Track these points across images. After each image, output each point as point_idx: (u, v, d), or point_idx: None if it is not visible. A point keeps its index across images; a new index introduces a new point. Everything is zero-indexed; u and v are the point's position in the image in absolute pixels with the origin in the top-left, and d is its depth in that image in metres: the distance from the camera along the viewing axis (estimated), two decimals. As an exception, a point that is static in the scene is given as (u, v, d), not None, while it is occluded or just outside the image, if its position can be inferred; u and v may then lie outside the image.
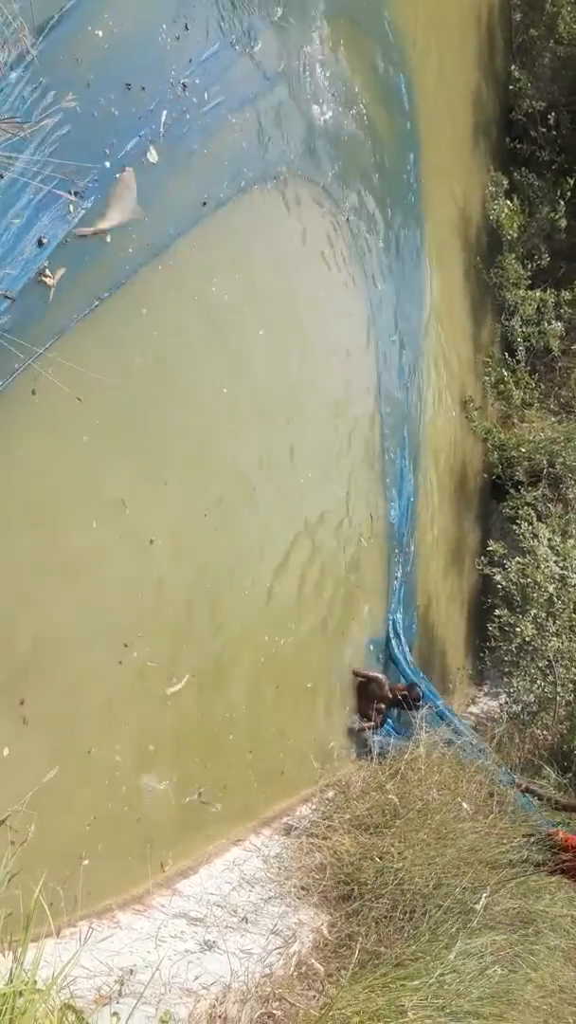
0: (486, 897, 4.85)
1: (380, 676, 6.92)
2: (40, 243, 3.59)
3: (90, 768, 4.04)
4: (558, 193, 10.08)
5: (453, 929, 4.65)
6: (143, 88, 4.32)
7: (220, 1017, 3.59)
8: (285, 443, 5.87)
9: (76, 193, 3.81)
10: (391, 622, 7.47)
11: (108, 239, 4.09)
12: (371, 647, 7.23)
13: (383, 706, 6.88)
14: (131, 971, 3.59)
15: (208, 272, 4.92)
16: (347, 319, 6.77)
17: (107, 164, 4.07)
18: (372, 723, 6.77)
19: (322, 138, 6.26)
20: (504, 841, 5.72)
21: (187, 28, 4.66)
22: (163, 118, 4.40)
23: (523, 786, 6.71)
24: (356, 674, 6.83)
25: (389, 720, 7.07)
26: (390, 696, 6.91)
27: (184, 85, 4.57)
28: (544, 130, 10.27)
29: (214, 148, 4.94)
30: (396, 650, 7.39)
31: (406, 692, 6.97)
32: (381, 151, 7.22)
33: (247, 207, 5.31)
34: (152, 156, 4.37)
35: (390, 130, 7.45)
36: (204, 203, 4.81)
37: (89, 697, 4.07)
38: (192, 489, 4.83)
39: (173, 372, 4.65)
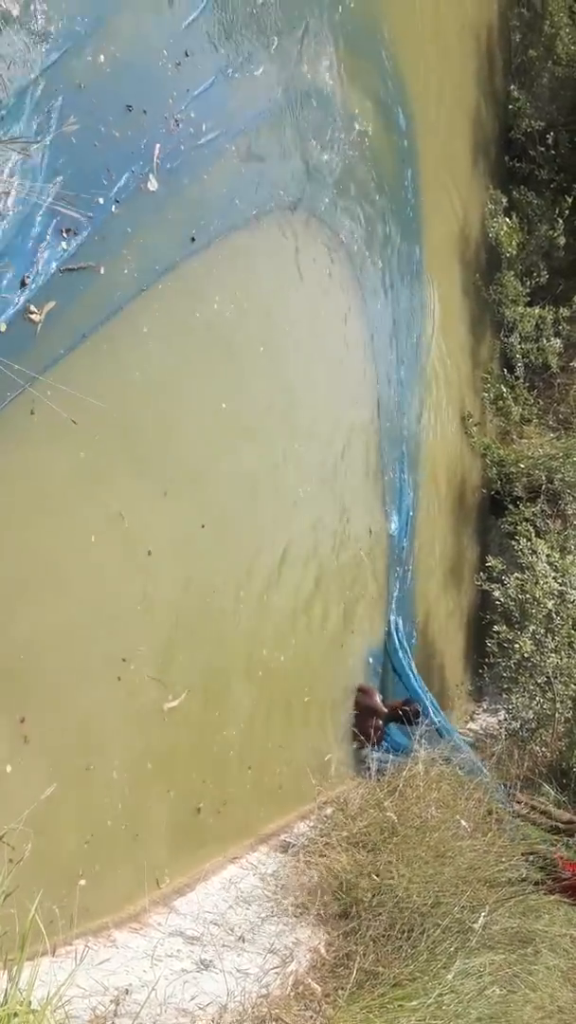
0: (484, 916, 4.81)
1: (375, 693, 6.90)
2: (23, 283, 3.50)
3: (88, 786, 4.03)
4: (557, 211, 10.17)
5: (451, 948, 4.62)
6: (144, 112, 4.30)
7: (216, 1038, 3.56)
8: (283, 457, 5.88)
9: (68, 230, 3.73)
10: (393, 635, 7.46)
11: (102, 271, 4.03)
12: (370, 660, 7.22)
13: (380, 722, 6.86)
14: (127, 991, 3.56)
15: (209, 291, 4.95)
16: (346, 337, 6.79)
17: (100, 200, 4.00)
18: (370, 739, 6.75)
19: (319, 162, 6.30)
20: (503, 859, 5.70)
21: (187, 55, 4.65)
22: (156, 151, 4.35)
23: (522, 804, 6.68)
24: (360, 689, 6.83)
25: (388, 736, 7.04)
26: (386, 712, 6.89)
27: (177, 121, 4.53)
28: (543, 149, 10.37)
29: (212, 176, 4.91)
30: (400, 662, 7.37)
31: (405, 707, 6.95)
32: (379, 171, 7.26)
33: (249, 231, 5.33)
34: (152, 184, 4.35)
35: (389, 151, 7.51)
36: (193, 238, 4.75)
37: (88, 713, 4.06)
38: (190, 502, 4.83)
39: (172, 387, 4.66)
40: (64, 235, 3.74)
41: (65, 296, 3.79)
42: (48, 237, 3.66)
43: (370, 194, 7.10)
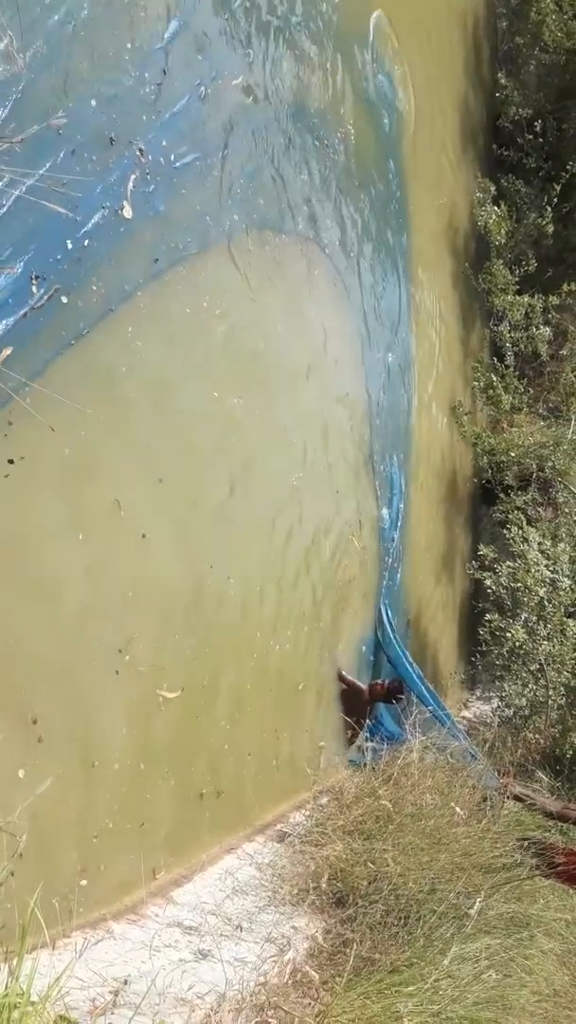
0: (480, 901, 4.85)
1: (357, 683, 6.93)
2: None
3: (90, 781, 4.04)
4: (545, 199, 10.17)
5: (448, 934, 4.65)
6: (114, 142, 4.14)
7: (215, 1026, 3.58)
8: (275, 447, 5.89)
9: (37, 276, 3.64)
10: (385, 625, 7.47)
11: (64, 299, 3.91)
12: (363, 648, 7.24)
13: (367, 699, 6.89)
14: (126, 981, 3.58)
15: (196, 295, 4.93)
16: (335, 330, 6.78)
17: (68, 243, 3.91)
18: (359, 722, 6.76)
19: (300, 161, 6.27)
20: (497, 845, 5.74)
21: (165, 73, 4.56)
22: (131, 182, 4.23)
23: (510, 784, 6.72)
24: (341, 679, 6.86)
25: (380, 724, 7.06)
26: (368, 697, 6.92)
27: (141, 149, 4.38)
28: (531, 137, 10.36)
29: (191, 198, 4.85)
30: (396, 652, 7.38)
31: (389, 685, 6.97)
32: (363, 164, 7.23)
33: (236, 243, 5.31)
34: (127, 212, 4.24)
35: (374, 142, 7.47)
36: (157, 259, 4.60)
37: (90, 708, 4.07)
38: (182, 491, 4.83)
39: (163, 379, 4.65)
40: (35, 279, 3.64)
41: (20, 340, 3.64)
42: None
43: (353, 189, 7.05)
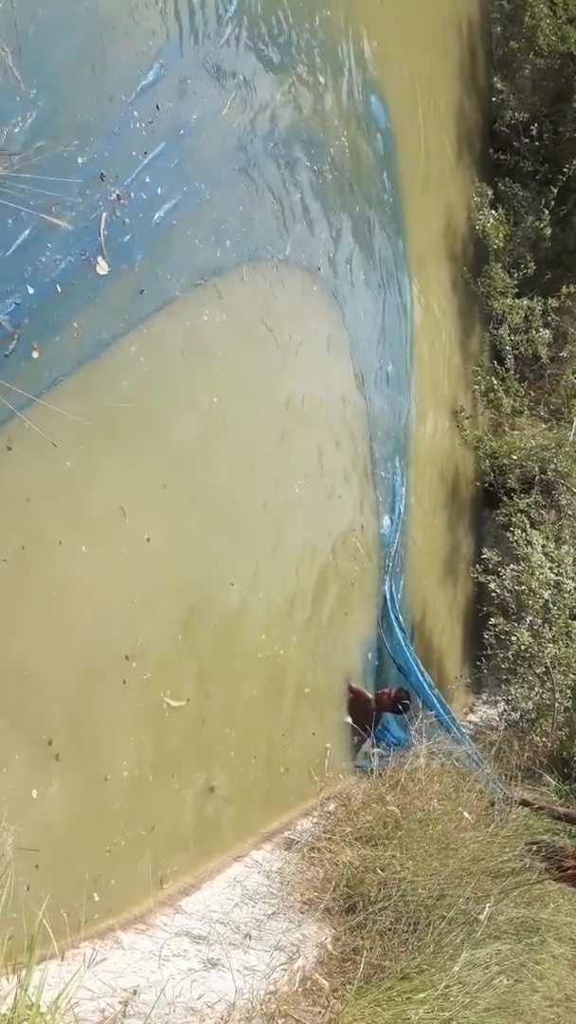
0: (490, 907, 4.83)
1: (362, 689, 6.92)
2: None
3: (104, 794, 4.04)
4: (542, 202, 10.19)
5: (458, 940, 4.63)
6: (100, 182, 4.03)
7: (226, 1036, 3.57)
8: (276, 454, 5.89)
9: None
10: (395, 629, 7.44)
11: (36, 355, 3.73)
12: (369, 655, 7.23)
13: (374, 707, 6.87)
14: (135, 991, 3.57)
15: (200, 307, 4.95)
16: (333, 340, 6.79)
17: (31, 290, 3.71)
18: (366, 730, 6.75)
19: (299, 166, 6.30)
20: (506, 850, 5.71)
21: (158, 108, 4.51)
22: (102, 224, 4.06)
23: (520, 799, 6.69)
24: (350, 690, 6.85)
25: (386, 730, 7.04)
26: (375, 706, 6.91)
27: (118, 196, 4.22)
28: (527, 140, 10.38)
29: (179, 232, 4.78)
30: (405, 658, 7.35)
31: (395, 695, 6.94)
32: (358, 174, 7.22)
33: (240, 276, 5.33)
34: (102, 268, 4.08)
35: (368, 150, 7.47)
36: (142, 292, 4.44)
37: (101, 721, 4.08)
38: (183, 498, 4.83)
39: (163, 386, 4.66)
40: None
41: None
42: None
43: (348, 201, 7.04)
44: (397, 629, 7.43)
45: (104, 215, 4.12)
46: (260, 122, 5.69)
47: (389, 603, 7.50)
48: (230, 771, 5.16)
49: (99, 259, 4.08)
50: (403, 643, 7.40)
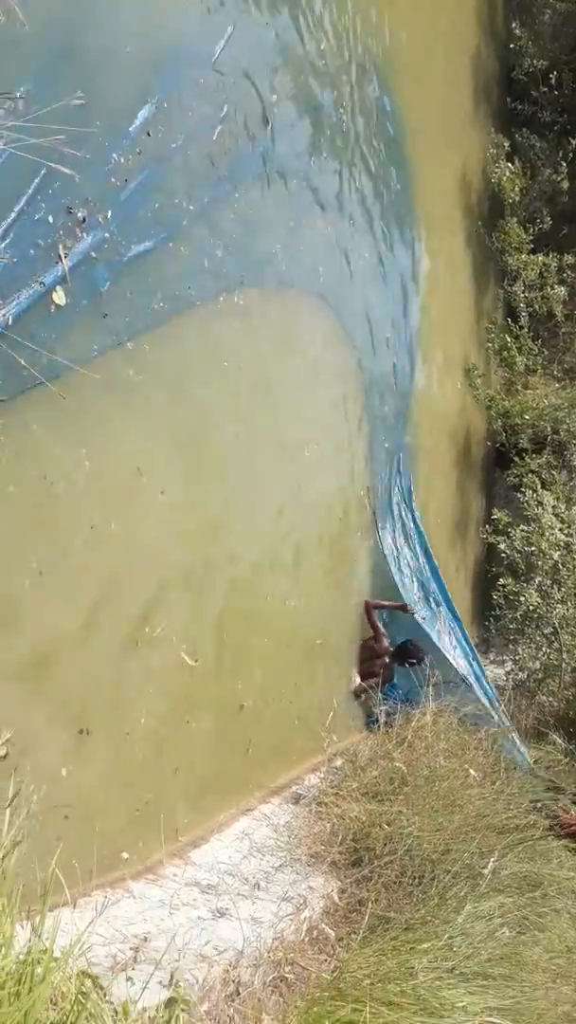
0: (494, 861, 4.92)
1: (382, 631, 6.88)
2: None
3: (114, 750, 4.10)
4: (560, 155, 9.94)
5: (461, 893, 4.72)
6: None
7: (234, 981, 3.66)
8: (285, 415, 5.85)
9: None
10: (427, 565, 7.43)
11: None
12: (383, 616, 7.21)
13: (387, 660, 6.88)
14: (146, 938, 3.65)
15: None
16: (347, 298, 6.69)
17: None
18: (375, 680, 6.77)
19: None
20: (511, 806, 5.79)
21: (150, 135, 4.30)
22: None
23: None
24: (376, 606, 6.82)
25: (394, 687, 7.08)
26: (391, 649, 6.90)
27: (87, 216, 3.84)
28: (545, 90, 10.09)
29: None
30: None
31: (411, 649, 6.94)
32: (363, 125, 7.02)
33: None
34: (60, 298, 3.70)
35: (372, 102, 7.24)
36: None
37: (114, 678, 4.12)
38: (193, 459, 4.81)
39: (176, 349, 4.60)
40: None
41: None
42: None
43: (352, 156, 6.84)
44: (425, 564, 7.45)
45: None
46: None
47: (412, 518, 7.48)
48: (241, 724, 5.20)
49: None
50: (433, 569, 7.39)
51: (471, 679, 7.23)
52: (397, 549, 7.38)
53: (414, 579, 7.43)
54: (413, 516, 7.51)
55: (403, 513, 7.47)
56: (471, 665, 7.38)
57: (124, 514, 4.17)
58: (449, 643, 7.31)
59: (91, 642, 3.98)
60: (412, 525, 7.45)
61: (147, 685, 4.33)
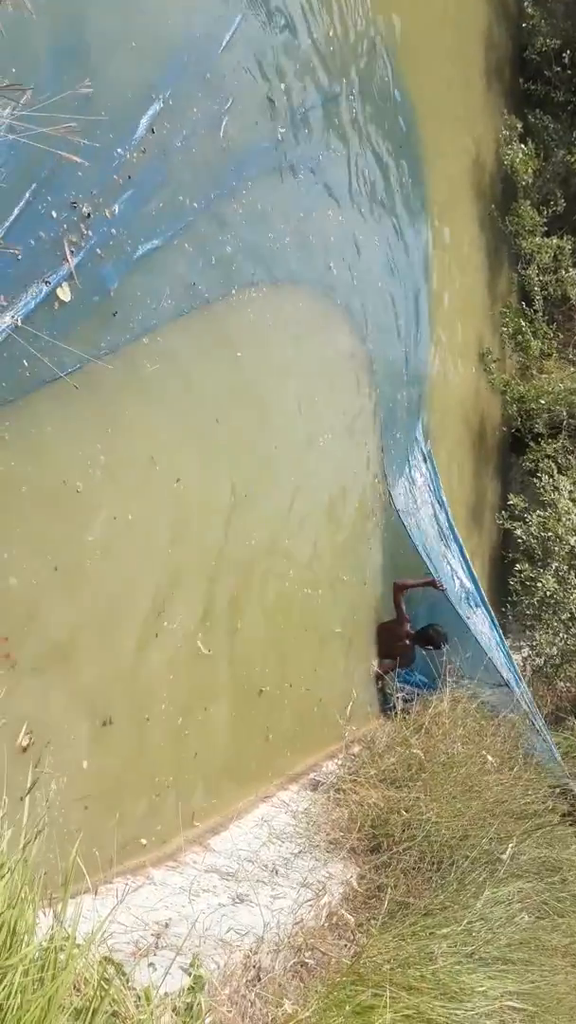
0: (512, 847, 4.93)
1: (404, 612, 6.85)
2: None
3: (134, 741, 4.14)
4: (574, 135, 9.79)
5: (480, 879, 4.74)
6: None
7: (255, 966, 3.70)
8: (298, 404, 5.84)
9: None
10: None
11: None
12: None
13: (407, 642, 6.88)
14: (167, 925, 3.69)
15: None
16: (363, 283, 6.66)
17: None
18: (394, 663, 6.76)
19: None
20: (529, 792, 5.79)
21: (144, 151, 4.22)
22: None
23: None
24: (405, 586, 6.83)
25: (410, 673, 7.06)
26: (412, 632, 6.88)
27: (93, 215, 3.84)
28: (559, 69, 9.93)
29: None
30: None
31: (432, 633, 6.90)
32: (379, 117, 6.95)
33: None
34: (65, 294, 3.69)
35: (381, 81, 7.15)
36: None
37: (133, 668, 4.15)
38: (207, 450, 4.82)
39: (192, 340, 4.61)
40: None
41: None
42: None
43: (362, 142, 6.77)
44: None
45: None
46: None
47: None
48: (263, 712, 5.23)
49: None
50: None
51: (496, 651, 7.20)
52: (416, 505, 7.36)
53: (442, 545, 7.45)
54: (439, 495, 7.46)
55: (430, 494, 7.43)
56: (494, 633, 7.35)
57: (139, 506, 4.19)
58: (470, 610, 7.27)
59: (111, 634, 4.01)
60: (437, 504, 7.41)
61: (166, 672, 4.37)
